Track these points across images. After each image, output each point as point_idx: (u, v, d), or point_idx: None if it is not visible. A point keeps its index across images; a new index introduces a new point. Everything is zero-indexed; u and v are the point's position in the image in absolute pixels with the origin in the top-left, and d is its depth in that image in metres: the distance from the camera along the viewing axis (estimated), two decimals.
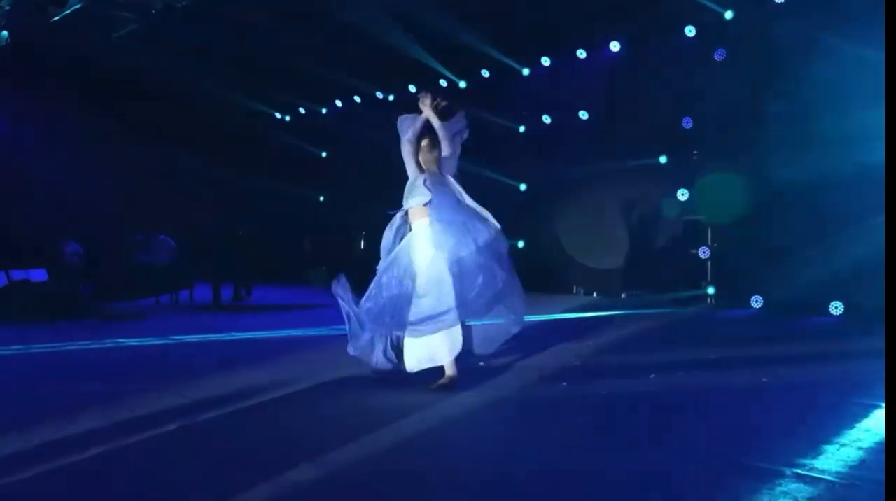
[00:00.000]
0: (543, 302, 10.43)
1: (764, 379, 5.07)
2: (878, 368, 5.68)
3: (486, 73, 13.25)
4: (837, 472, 3.10)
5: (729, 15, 10.13)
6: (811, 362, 6.01)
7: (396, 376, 4.97)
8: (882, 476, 3.06)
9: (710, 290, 10.40)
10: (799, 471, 3.10)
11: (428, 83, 13.61)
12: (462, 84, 13.70)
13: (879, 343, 7.16)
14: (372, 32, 12.31)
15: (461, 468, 3.29)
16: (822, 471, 3.11)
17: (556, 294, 11.69)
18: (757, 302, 9.80)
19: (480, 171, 12.76)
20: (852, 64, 8.99)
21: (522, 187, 12.88)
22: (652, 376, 5.28)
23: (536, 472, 3.19)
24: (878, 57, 8.64)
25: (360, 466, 3.21)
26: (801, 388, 4.95)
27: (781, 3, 9.58)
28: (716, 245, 10.45)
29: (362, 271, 5.65)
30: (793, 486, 2.93)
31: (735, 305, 10.04)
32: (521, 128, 12.79)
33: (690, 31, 10.60)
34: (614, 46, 11.51)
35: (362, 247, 11.11)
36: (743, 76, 10.02)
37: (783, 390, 4.89)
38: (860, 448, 3.45)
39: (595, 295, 11.97)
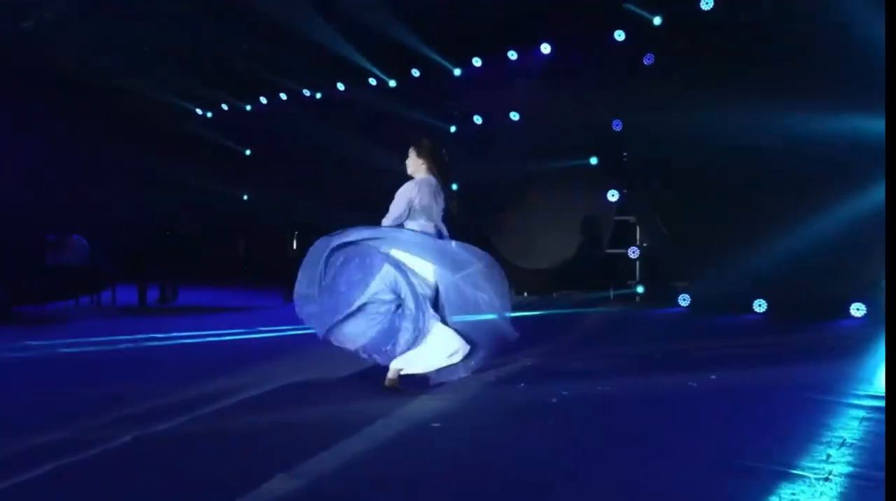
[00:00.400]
0: None
1: (713, 377, 5.21)
2: (820, 365, 6.00)
3: (416, 73, 13.21)
4: (810, 468, 3.20)
5: (657, 21, 10.41)
6: (756, 359, 6.23)
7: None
8: (850, 470, 3.19)
9: (640, 289, 10.66)
10: (774, 468, 3.19)
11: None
12: (392, 83, 13.62)
13: (806, 339, 7.62)
14: (299, 29, 12.10)
15: (441, 477, 3.23)
16: (795, 467, 3.21)
17: None
18: (684, 300, 10.11)
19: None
20: (780, 68, 9.39)
21: (454, 187, 12.84)
22: (605, 376, 5.35)
23: (514, 481, 3.18)
24: (808, 60, 9.15)
25: (339, 476, 3.12)
26: (752, 386, 5.11)
27: (709, 11, 9.92)
28: (645, 245, 10.71)
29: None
30: (773, 483, 3.01)
31: (663, 304, 10.32)
32: (452, 129, 12.80)
33: (620, 35, 10.84)
34: (545, 48, 11.65)
35: (294, 247, 10.89)
36: (672, 80, 10.31)
37: (736, 388, 5.04)
38: (822, 444, 3.58)
39: (526, 294, 12.08)
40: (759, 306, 9.48)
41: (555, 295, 11.88)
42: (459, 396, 4.70)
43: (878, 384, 5.06)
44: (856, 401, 4.56)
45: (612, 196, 10.91)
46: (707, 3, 9.90)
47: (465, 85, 12.65)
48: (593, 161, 11.11)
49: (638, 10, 10.48)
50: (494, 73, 12.29)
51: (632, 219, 10.99)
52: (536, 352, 6.50)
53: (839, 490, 2.96)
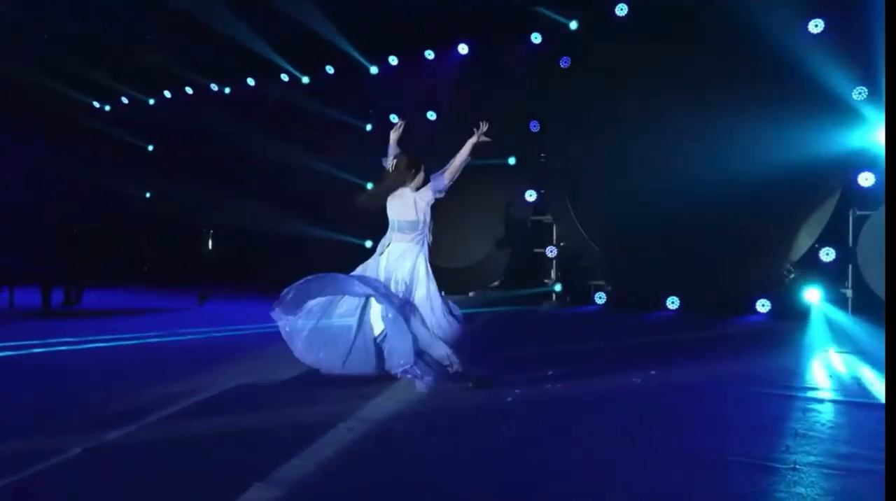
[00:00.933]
0: None
1: (652, 372, 5.38)
2: (746, 359, 6.28)
3: (330, 70, 13.02)
4: (776, 459, 3.34)
5: (573, 25, 10.64)
6: (686, 355, 6.46)
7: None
8: (811, 459, 3.34)
9: (557, 288, 10.86)
10: (744, 460, 3.31)
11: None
12: (305, 80, 13.37)
13: (725, 334, 7.97)
14: (206, 19, 11.70)
15: (425, 481, 3.17)
16: (763, 459, 3.34)
17: None
18: (601, 298, 10.38)
19: (325, 170, 12.55)
20: (691, 70, 9.79)
21: (369, 186, 12.73)
22: (551, 374, 5.40)
23: (498, 480, 3.16)
24: (718, 64, 9.57)
25: (314, 484, 3.01)
26: (693, 381, 5.29)
27: (623, 17, 10.22)
28: (562, 244, 10.93)
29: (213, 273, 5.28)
30: (748, 476, 3.12)
31: (580, 302, 10.56)
32: (368, 127, 12.67)
33: (536, 37, 11.02)
34: (462, 49, 11.71)
35: (210, 247, 10.51)
36: (588, 82, 10.56)
37: (681, 384, 5.20)
38: (778, 435, 3.75)
39: (443, 293, 12.06)
40: (672, 303, 9.85)
41: (471, 294, 11.94)
42: (411, 397, 4.64)
43: (810, 377, 5.37)
44: (794, 393, 4.81)
45: (530, 196, 11.08)
46: (622, 10, 10.22)
47: (381, 83, 12.56)
48: (511, 161, 11.24)
49: (553, 15, 10.68)
50: (412, 71, 12.26)
51: (548, 218, 11.18)
52: (472, 352, 6.51)
53: (809, 479, 3.09)
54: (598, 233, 10.55)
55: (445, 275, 11.64)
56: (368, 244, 12.41)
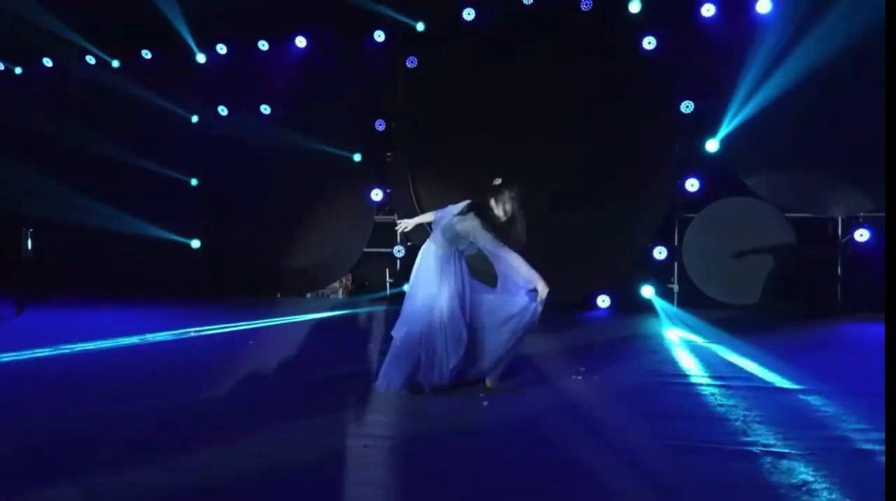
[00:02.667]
0: (242, 309, 9.92)
1: (582, 369, 5.55)
2: (636, 355, 6.67)
3: (147, 55, 11.95)
4: (743, 444, 3.59)
5: (421, 27, 10.66)
6: (585, 351, 6.71)
7: None
8: (773, 442, 3.62)
9: (406, 288, 10.78)
10: (719, 447, 3.54)
11: None
12: (115, 63, 12.14)
13: (591, 330, 8.42)
14: None
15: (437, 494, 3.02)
16: (733, 444, 3.57)
17: (245, 296, 11.08)
18: None
19: (144, 164, 11.57)
20: (533, 80, 10.23)
21: (193, 182, 11.89)
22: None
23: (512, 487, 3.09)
24: (559, 73, 10.07)
25: None
26: (624, 377, 5.52)
27: (472, 20, 10.42)
28: (409, 243, 10.91)
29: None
30: (731, 461, 3.34)
31: None
32: (194, 119, 11.80)
33: (380, 35, 10.90)
34: (300, 42, 11.28)
35: (29, 247, 9.17)
36: (435, 84, 10.64)
37: (613, 379, 5.40)
38: (732, 421, 4.03)
39: (279, 295, 11.60)
40: (604, 302, 10.16)
41: (308, 295, 11.57)
42: (384, 407, 4.42)
43: (704, 367, 5.83)
44: (721, 383, 5.21)
45: (376, 195, 10.95)
46: (469, 14, 10.42)
47: (210, 72, 11.74)
48: (357, 158, 11.02)
49: (397, 15, 10.64)
50: (243, 62, 11.59)
51: (395, 218, 11.10)
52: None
53: (780, 460, 3.37)
54: None
55: (285, 277, 11.34)
56: (196, 244, 11.63)
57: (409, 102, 10.89)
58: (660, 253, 9.88)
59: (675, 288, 10.09)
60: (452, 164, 10.58)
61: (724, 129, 9.59)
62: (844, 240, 9.60)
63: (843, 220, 9.66)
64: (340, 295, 11.57)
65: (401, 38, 10.85)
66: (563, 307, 9.83)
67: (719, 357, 6.43)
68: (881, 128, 9.12)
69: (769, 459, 3.38)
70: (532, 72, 10.32)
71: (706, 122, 9.72)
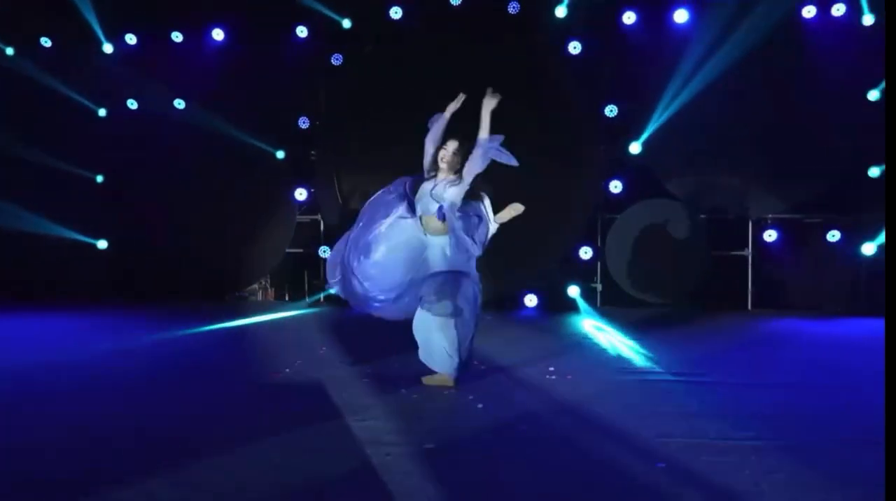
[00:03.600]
0: (157, 314, 9.48)
1: (552, 369, 5.59)
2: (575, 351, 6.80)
3: (47, 42, 11.18)
4: (713, 437, 3.75)
5: (347, 24, 10.48)
6: (529, 349, 6.76)
7: None
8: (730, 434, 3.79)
9: (333, 290, 10.55)
10: (682, 441, 3.67)
11: None
12: (10, 51, 11.29)
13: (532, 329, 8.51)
14: None
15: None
16: (704, 437, 3.71)
17: (157, 300, 10.55)
18: None
19: (45, 159, 10.87)
20: (458, 81, 10.22)
21: (99, 179, 11.21)
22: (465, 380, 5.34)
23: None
24: (482, 76, 10.07)
25: None
26: (585, 372, 5.60)
27: (399, 19, 10.34)
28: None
29: None
30: (710, 454, 3.48)
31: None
32: (102, 112, 11.12)
33: (302, 31, 10.65)
34: (217, 34, 10.85)
35: None
36: (361, 82, 10.50)
37: (574, 376, 5.44)
38: (688, 416, 4.19)
39: (196, 298, 11.08)
40: (531, 301, 10.18)
41: (226, 297, 11.15)
42: (377, 412, 4.30)
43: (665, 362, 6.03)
44: (667, 378, 5.37)
45: (300, 194, 10.69)
46: (396, 12, 10.34)
47: (117, 63, 11.09)
48: (280, 155, 10.71)
49: (325, 10, 10.43)
50: (155, 53, 11.03)
51: (319, 217, 10.89)
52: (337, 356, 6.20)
53: (770, 457, 3.53)
54: None
55: (203, 278, 10.86)
56: (102, 245, 11.01)
57: (334, 100, 10.68)
58: (585, 253, 10.12)
59: (599, 287, 10.36)
60: (378, 164, 10.44)
61: (646, 133, 9.95)
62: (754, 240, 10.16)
63: (753, 221, 10.21)
64: (260, 298, 11.21)
65: (325, 34, 10.63)
66: (494, 306, 9.99)
67: (673, 354, 6.66)
68: (789, 133, 9.80)
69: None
70: (458, 73, 10.29)
71: (629, 126, 10.06)
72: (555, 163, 10.16)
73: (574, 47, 10.13)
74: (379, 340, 7.66)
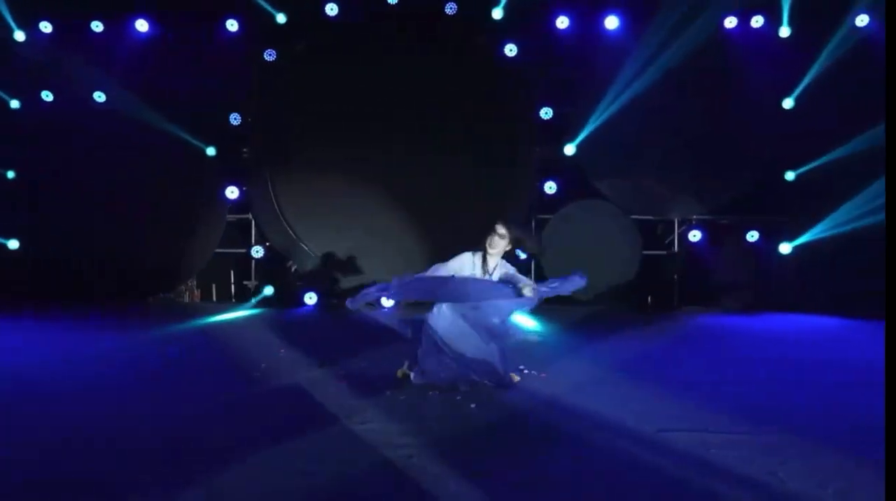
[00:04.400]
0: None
1: (522, 366, 5.64)
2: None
3: None
4: (710, 431, 3.93)
5: (282, 18, 10.25)
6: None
7: None
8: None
9: (269, 290, 10.32)
10: (685, 435, 3.88)
11: None
12: None
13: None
14: None
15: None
16: (700, 431, 3.97)
17: (73, 301, 9.99)
18: (311, 298, 10.21)
19: None
20: (392, 81, 10.22)
21: (10, 175, 10.52)
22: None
23: None
24: (418, 76, 10.15)
25: None
26: (575, 369, 5.73)
27: (335, 16, 10.20)
28: (268, 243, 10.45)
29: None
30: (710, 449, 3.69)
31: (291, 304, 10.21)
32: (14, 104, 10.44)
33: (233, 24, 10.35)
34: (141, 25, 10.39)
35: None
36: (295, 78, 10.30)
37: (574, 373, 5.69)
38: (687, 412, 4.36)
39: (116, 299, 10.57)
40: (387, 301, 10.15)
41: (150, 299, 10.69)
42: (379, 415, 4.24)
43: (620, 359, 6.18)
44: (630, 375, 5.53)
45: (231, 192, 10.38)
46: (332, 9, 10.20)
47: (31, 53, 10.44)
48: (210, 152, 10.36)
49: (261, 2, 10.17)
50: (73, 43, 10.45)
51: (250, 216, 10.60)
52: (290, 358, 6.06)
53: (758, 446, 3.74)
54: (306, 232, 10.36)
55: (127, 279, 10.36)
56: (14, 244, 10.37)
57: (267, 96, 10.43)
58: (520, 252, 10.27)
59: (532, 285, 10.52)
60: (312, 162, 10.33)
61: (580, 136, 10.19)
62: (672, 239, 10.57)
63: (678, 222, 10.63)
64: (187, 299, 10.81)
65: (258, 28, 10.36)
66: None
67: (623, 351, 6.85)
68: (713, 139, 10.24)
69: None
70: (395, 72, 10.31)
71: (564, 128, 10.29)
72: (491, 163, 10.29)
73: (510, 49, 10.26)
74: (330, 340, 7.62)
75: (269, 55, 10.32)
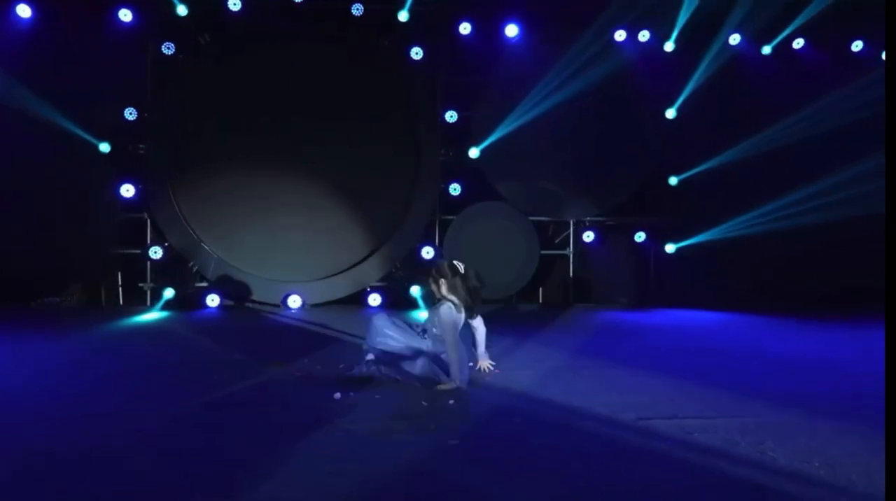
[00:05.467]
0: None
1: (471, 363, 5.82)
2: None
3: None
4: (687, 416, 4.32)
5: (182, 11, 9.89)
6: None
7: None
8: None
9: (169, 293, 9.90)
10: (665, 422, 4.25)
11: None
12: None
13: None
14: None
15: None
16: (678, 418, 4.37)
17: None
18: (213, 300, 9.95)
19: None
20: (296, 78, 10.14)
21: None
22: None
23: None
24: (321, 75, 10.15)
25: None
26: (529, 365, 5.93)
27: (237, 11, 9.98)
28: (167, 244, 10.05)
29: None
30: (693, 432, 4.08)
31: (193, 306, 9.89)
32: None
33: (126, 14, 9.88)
34: (23, 10, 9.69)
35: None
36: (195, 73, 9.99)
37: (529, 368, 5.91)
38: (656, 400, 4.71)
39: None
40: (294, 302, 10.06)
41: (45, 300, 10.02)
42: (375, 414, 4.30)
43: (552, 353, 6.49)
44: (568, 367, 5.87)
45: (127, 191, 9.92)
46: (235, 4, 9.97)
47: None
48: (104, 148, 9.84)
49: None
50: None
51: (145, 215, 10.16)
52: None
53: (733, 427, 4.14)
54: (206, 232, 10.08)
55: (9, 281, 9.65)
56: None
57: (165, 91, 10.03)
58: (427, 253, 10.47)
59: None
60: (213, 161, 10.07)
61: (485, 141, 10.51)
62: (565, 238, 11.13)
63: (573, 224, 11.17)
64: (75, 302, 10.19)
65: (155, 20, 9.95)
66: (339, 304, 10.09)
67: (554, 346, 7.20)
68: (604, 148, 10.84)
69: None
70: (299, 71, 10.22)
71: (469, 132, 10.58)
72: (396, 164, 10.42)
73: (416, 53, 10.43)
74: (258, 340, 7.49)
75: (168, 48, 9.94)
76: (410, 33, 10.42)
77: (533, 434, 4.13)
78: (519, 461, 3.63)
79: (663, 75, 10.86)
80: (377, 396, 4.92)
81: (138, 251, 10.10)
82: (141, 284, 10.17)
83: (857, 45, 11.22)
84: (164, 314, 9.39)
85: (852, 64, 11.10)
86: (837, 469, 3.56)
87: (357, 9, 10.19)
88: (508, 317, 9.53)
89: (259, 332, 8.37)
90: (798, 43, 11.07)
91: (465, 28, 10.57)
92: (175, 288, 9.89)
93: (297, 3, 10.10)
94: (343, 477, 3.36)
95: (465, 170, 10.68)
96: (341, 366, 5.72)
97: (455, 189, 10.62)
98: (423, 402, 4.78)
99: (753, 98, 10.78)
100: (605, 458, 3.71)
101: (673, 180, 10.99)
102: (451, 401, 4.80)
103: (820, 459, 3.68)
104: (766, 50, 11.08)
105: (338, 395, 4.85)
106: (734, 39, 10.92)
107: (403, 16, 10.30)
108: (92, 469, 3.52)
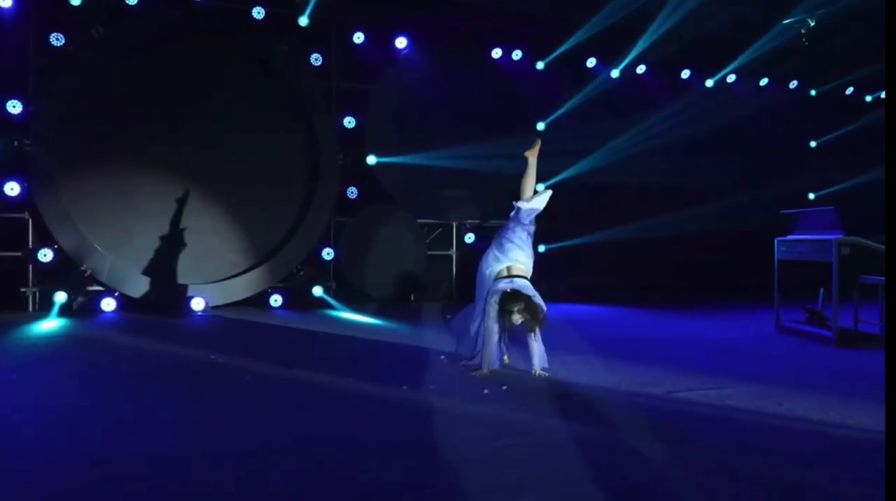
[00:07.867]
0: None
1: (443, 357, 6.28)
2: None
3: None
4: (708, 388, 5.19)
5: (76, 0, 9.35)
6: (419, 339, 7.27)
7: None
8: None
9: (61, 297, 9.27)
10: (692, 394, 5.06)
11: None
12: None
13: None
14: None
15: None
16: (700, 390, 5.15)
17: None
18: (110, 305, 9.51)
19: None
20: (198, 75, 10.01)
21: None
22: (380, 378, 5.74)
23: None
24: (225, 74, 10.18)
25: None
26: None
27: (134, 5, 9.63)
28: (57, 246, 9.42)
29: None
30: (725, 400, 4.93)
31: (88, 311, 9.38)
32: None
33: (6, 1, 9.20)
34: None
35: None
36: (86, 66, 9.49)
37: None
38: (662, 377, 5.54)
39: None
40: (198, 304, 9.85)
41: None
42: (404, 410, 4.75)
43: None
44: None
45: (12, 190, 9.19)
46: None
47: None
48: None
49: None
50: None
51: (26, 215, 9.46)
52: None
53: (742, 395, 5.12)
54: (98, 233, 9.60)
55: None
56: None
57: (53, 85, 9.41)
58: (328, 254, 10.73)
59: (333, 285, 10.99)
60: (103, 158, 9.66)
61: (379, 146, 10.98)
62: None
63: (456, 226, 11.94)
64: None
65: (42, 8, 9.34)
66: (239, 305, 10.03)
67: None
68: (483, 156, 11.74)
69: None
70: (196, 71, 10.09)
71: (363, 137, 10.99)
72: (296, 168, 10.60)
73: (316, 59, 10.66)
74: (210, 342, 7.40)
75: (58, 39, 9.36)
76: (311, 40, 10.63)
77: (617, 410, 4.51)
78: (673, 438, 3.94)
79: (538, 91, 12.02)
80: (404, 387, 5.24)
81: (19, 253, 9.40)
82: (23, 289, 9.45)
83: (685, 73, 13.14)
84: (62, 321, 8.82)
85: (682, 87, 13.04)
86: (850, 416, 4.32)
87: (259, 12, 10.24)
88: (412, 312, 10.00)
89: (205, 332, 8.23)
90: (641, 68, 12.73)
91: (358, 37, 10.96)
92: (67, 293, 9.32)
93: (197, 2, 9.96)
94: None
95: (362, 175, 11.05)
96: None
97: (352, 192, 10.97)
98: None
99: (610, 113, 12.26)
100: (698, 423, 4.19)
101: (539, 187, 12.09)
102: (486, 391, 5.01)
103: (838, 412, 4.37)
104: (615, 73, 12.61)
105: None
106: (590, 63, 12.35)
107: (304, 21, 10.49)
108: None
